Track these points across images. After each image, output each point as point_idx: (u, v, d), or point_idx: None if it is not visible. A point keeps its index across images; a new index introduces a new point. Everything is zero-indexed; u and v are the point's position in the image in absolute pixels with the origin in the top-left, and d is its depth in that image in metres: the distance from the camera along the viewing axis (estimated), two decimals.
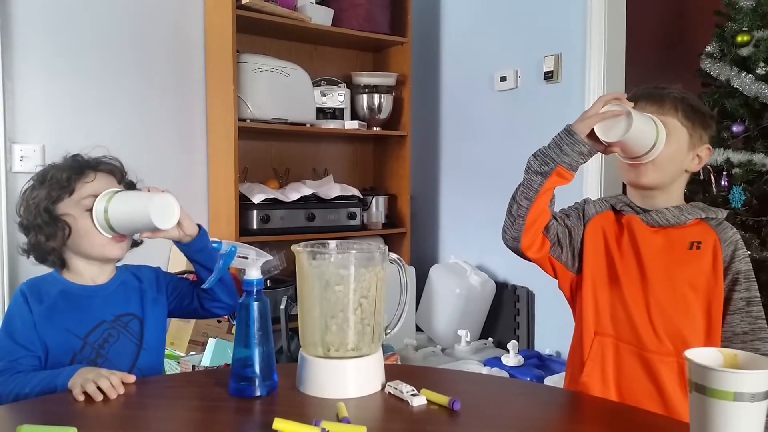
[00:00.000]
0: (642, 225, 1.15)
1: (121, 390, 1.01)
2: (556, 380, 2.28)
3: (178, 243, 1.23)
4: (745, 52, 2.01)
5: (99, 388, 0.98)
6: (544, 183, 1.09)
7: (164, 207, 1.14)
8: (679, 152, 1.14)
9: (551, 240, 1.16)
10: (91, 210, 1.17)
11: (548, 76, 2.64)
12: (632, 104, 1.09)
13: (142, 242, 1.33)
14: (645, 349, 1.10)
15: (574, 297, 1.21)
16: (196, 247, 1.23)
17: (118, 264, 1.29)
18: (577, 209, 1.22)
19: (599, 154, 1.13)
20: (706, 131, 1.17)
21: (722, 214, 1.14)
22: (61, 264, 1.22)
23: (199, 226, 1.24)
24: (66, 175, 1.19)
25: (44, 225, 1.17)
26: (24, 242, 1.22)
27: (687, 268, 1.11)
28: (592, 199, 1.24)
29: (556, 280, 1.22)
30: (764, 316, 1.10)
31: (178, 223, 1.18)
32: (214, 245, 1.03)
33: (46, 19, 2.47)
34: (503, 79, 2.86)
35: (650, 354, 1.09)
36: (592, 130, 1.08)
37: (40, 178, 1.21)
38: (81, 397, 0.97)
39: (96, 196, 1.17)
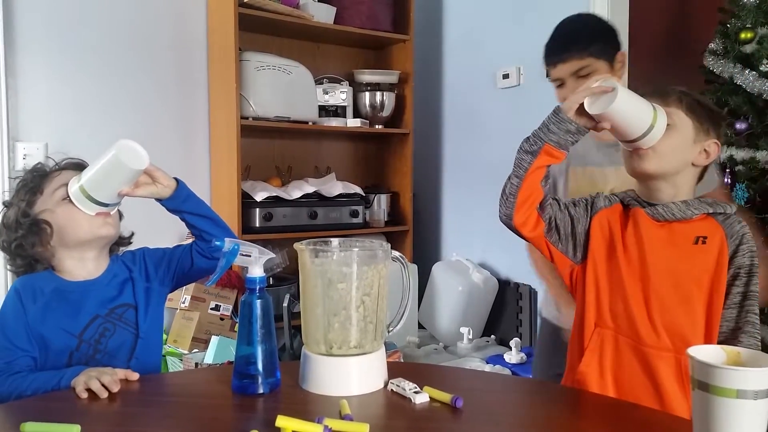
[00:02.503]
0: (647, 219, 1.14)
1: (121, 375, 1.02)
2: None
3: (164, 203, 1.23)
4: (748, 49, 2.00)
5: (103, 385, 0.99)
6: (534, 161, 1.12)
7: (129, 149, 1.15)
8: (684, 143, 1.13)
9: (546, 221, 1.17)
10: (66, 199, 1.18)
11: None
12: (621, 82, 1.10)
13: (131, 237, 1.33)
14: (642, 343, 1.10)
15: (574, 286, 1.21)
16: (180, 198, 1.23)
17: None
18: (587, 201, 1.22)
19: None
20: (714, 127, 1.16)
21: (731, 209, 1.13)
22: (52, 268, 1.22)
23: (176, 179, 1.24)
24: (31, 177, 1.23)
25: (27, 233, 1.17)
26: (11, 263, 1.22)
27: (691, 263, 1.10)
28: (604, 194, 1.24)
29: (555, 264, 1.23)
30: (757, 312, 1.10)
31: (153, 178, 1.20)
32: (217, 243, 1.03)
33: (50, 17, 2.47)
34: (506, 76, 2.85)
35: (648, 349, 1.10)
36: (584, 109, 1.10)
37: (8, 201, 1.24)
38: (84, 395, 0.98)
39: (66, 185, 1.19)
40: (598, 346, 1.14)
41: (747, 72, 1.96)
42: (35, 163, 1.27)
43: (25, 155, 2.42)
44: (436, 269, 3.03)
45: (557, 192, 1.58)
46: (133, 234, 1.34)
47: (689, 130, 1.13)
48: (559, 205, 1.19)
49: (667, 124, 1.11)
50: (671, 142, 1.11)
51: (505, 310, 2.87)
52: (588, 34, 1.54)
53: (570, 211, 1.19)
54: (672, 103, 1.14)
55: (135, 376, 1.05)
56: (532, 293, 2.76)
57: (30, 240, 1.18)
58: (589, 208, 1.21)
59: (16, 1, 2.39)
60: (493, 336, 2.86)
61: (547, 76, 1.59)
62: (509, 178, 1.15)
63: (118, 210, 1.28)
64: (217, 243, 1.03)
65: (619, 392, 1.11)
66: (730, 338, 1.08)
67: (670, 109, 1.13)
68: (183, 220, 1.27)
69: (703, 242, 1.10)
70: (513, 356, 2.45)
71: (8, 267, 1.23)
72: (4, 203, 1.25)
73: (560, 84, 1.54)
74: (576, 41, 1.53)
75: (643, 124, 1.09)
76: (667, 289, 1.10)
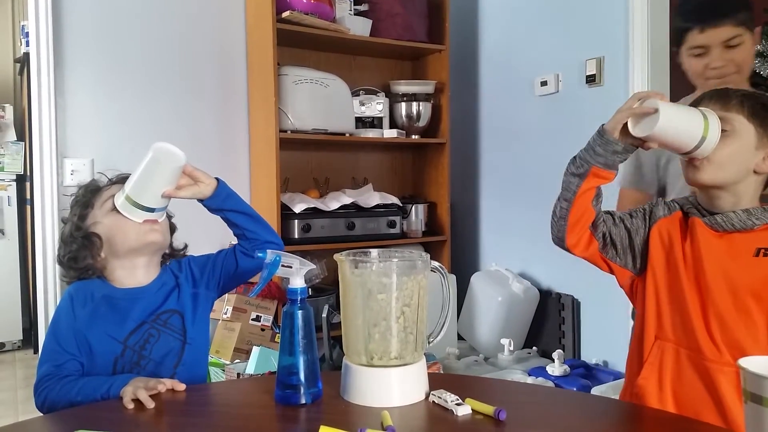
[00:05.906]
0: (705, 229, 1.10)
1: (168, 385, 1.04)
2: (603, 390, 2.23)
3: (206, 203, 1.25)
4: None
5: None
6: (582, 184, 1.10)
7: (165, 150, 1.18)
8: (744, 150, 1.08)
9: (599, 238, 1.14)
10: (113, 209, 1.21)
11: (590, 79, 2.60)
12: (667, 100, 1.06)
13: (185, 249, 1.36)
14: (704, 357, 1.06)
15: (635, 296, 1.19)
16: (221, 196, 1.25)
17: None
18: (645, 211, 1.18)
19: None
20: None
21: None
22: (104, 278, 1.26)
23: (217, 178, 1.26)
24: (83, 192, 1.27)
25: (80, 246, 1.21)
26: (64, 274, 1.27)
27: (751, 276, 1.05)
28: (664, 201, 1.20)
29: (614, 276, 1.20)
30: None
31: (194, 178, 1.22)
32: (260, 255, 1.04)
33: (96, 38, 2.57)
34: (544, 83, 2.83)
35: (709, 363, 1.06)
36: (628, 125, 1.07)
37: (65, 217, 1.29)
38: (130, 405, 1.00)
39: (113, 197, 1.23)
40: (658, 359, 1.11)
41: None
42: (87, 179, 1.32)
43: (72, 171, 2.50)
44: (475, 279, 3.00)
45: None
46: (186, 246, 1.36)
47: (750, 136, 1.08)
48: (613, 219, 1.16)
49: (725, 131, 1.06)
50: (729, 150, 1.06)
51: (546, 321, 2.83)
52: (739, 1, 1.39)
53: (626, 223, 1.16)
54: (732, 108, 1.08)
55: (181, 386, 1.06)
56: (575, 303, 2.71)
57: (82, 253, 1.22)
58: (647, 217, 1.17)
59: (64, 23, 2.49)
60: (534, 347, 2.81)
61: (677, 45, 1.43)
62: (558, 200, 1.13)
63: (172, 222, 1.31)
64: (260, 254, 1.04)
65: (679, 406, 1.08)
66: None
67: (729, 115, 1.07)
68: (225, 219, 1.29)
69: (765, 254, 1.05)
70: (556, 368, 2.41)
71: (62, 278, 1.28)
72: (62, 219, 1.30)
73: (701, 53, 1.39)
74: (730, 6, 1.38)
75: (692, 138, 1.05)
76: (726, 302, 1.06)
